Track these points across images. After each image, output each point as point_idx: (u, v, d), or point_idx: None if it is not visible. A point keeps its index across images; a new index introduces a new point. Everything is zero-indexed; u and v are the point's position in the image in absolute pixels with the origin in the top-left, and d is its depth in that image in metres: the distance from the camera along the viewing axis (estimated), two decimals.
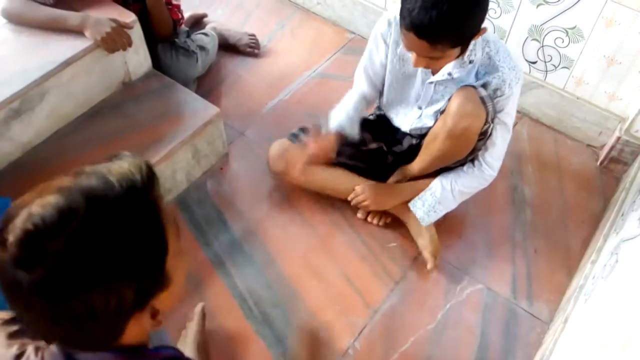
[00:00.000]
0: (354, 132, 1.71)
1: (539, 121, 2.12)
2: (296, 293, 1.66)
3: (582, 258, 1.74)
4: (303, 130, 1.82)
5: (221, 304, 1.63)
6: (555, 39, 1.88)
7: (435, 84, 1.58)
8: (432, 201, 1.68)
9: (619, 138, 1.89)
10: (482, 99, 1.47)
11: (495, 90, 1.49)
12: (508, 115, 1.56)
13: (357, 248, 1.77)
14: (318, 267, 1.72)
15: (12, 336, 0.83)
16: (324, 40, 2.42)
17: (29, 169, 1.64)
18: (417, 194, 1.72)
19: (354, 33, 2.44)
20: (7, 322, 0.86)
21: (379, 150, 1.81)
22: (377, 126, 1.79)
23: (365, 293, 1.67)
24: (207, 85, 2.22)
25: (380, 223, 1.82)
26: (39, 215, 0.63)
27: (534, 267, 1.74)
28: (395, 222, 1.81)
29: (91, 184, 0.66)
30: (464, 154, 1.60)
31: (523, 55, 1.99)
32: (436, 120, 1.62)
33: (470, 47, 1.44)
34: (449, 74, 1.51)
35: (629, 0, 1.66)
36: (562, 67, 1.94)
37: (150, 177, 0.69)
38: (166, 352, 0.80)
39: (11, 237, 0.63)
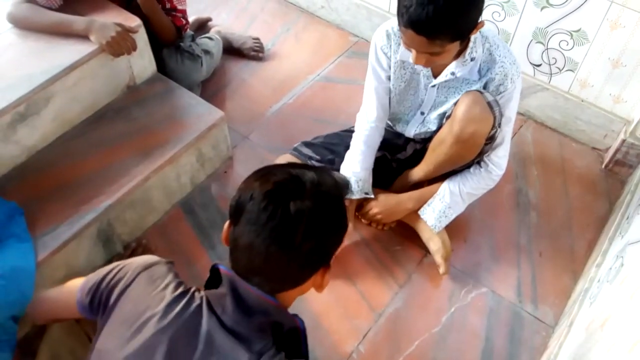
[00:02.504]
0: (370, 195, 1.72)
1: (544, 124, 2.11)
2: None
3: (587, 261, 1.74)
4: (306, 144, 1.81)
5: None
6: (560, 41, 1.88)
7: (438, 87, 1.58)
8: (442, 207, 1.68)
9: (624, 141, 1.88)
10: (488, 103, 1.47)
11: (499, 85, 1.50)
12: (513, 110, 1.56)
13: (362, 251, 1.77)
14: None
15: (177, 276, 1.02)
16: (328, 44, 2.43)
17: (34, 172, 1.65)
18: (427, 200, 1.71)
19: (357, 36, 2.45)
20: (169, 263, 1.04)
21: (382, 158, 1.81)
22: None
23: (369, 296, 1.67)
24: (211, 89, 2.23)
25: (385, 228, 1.81)
26: (304, 173, 0.92)
27: (539, 270, 1.74)
28: (399, 225, 1.81)
29: (331, 174, 0.96)
30: (470, 158, 1.60)
31: (527, 58, 1.99)
32: (440, 125, 1.62)
33: (471, 44, 1.45)
34: (452, 73, 1.51)
35: (633, 2, 1.66)
36: (567, 70, 1.94)
37: (349, 185, 1.01)
38: (299, 321, 1.00)
39: (287, 176, 0.90)
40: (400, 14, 1.32)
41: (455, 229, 1.75)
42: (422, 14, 1.26)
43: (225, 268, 0.94)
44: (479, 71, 1.52)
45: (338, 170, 1.74)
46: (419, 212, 1.72)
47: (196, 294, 0.97)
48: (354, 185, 1.68)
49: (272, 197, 0.87)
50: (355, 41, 2.43)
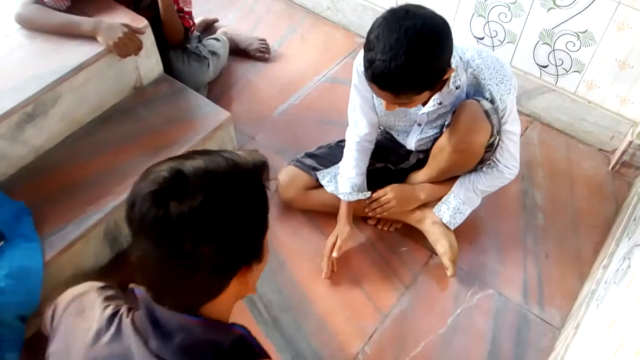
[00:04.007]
0: (365, 194, 1.71)
1: (550, 125, 2.11)
2: (306, 297, 1.66)
3: (593, 263, 1.73)
4: (309, 155, 1.81)
5: None
6: (567, 42, 1.87)
7: (428, 113, 1.58)
8: (457, 203, 1.68)
9: (631, 142, 1.88)
10: (486, 112, 1.46)
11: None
12: (508, 123, 1.54)
13: (367, 252, 1.77)
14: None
15: (107, 299, 0.93)
16: (334, 45, 2.43)
17: (42, 172, 1.66)
18: (439, 195, 1.71)
19: (363, 37, 2.43)
20: (102, 288, 0.97)
21: (385, 169, 1.81)
22: (381, 146, 1.78)
23: (375, 297, 1.67)
24: (217, 90, 2.23)
25: (391, 229, 1.81)
26: (190, 164, 0.77)
27: (545, 272, 1.73)
28: (405, 227, 1.80)
29: (230, 155, 0.80)
30: (471, 165, 1.61)
31: (534, 59, 1.98)
32: (440, 130, 1.62)
33: (453, 74, 1.42)
34: (439, 102, 1.51)
35: None
36: (574, 71, 1.93)
37: (266, 164, 0.84)
38: (238, 329, 0.87)
39: (165, 173, 0.75)
40: (364, 67, 1.30)
41: (461, 231, 1.75)
42: (384, 71, 1.24)
43: (140, 291, 0.84)
44: (467, 95, 1.50)
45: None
46: (434, 210, 1.71)
47: (124, 319, 0.87)
48: (349, 190, 1.69)
49: (152, 200, 0.74)
50: (362, 42, 2.42)
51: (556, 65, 1.96)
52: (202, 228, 0.74)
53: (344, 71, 2.32)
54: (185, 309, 0.81)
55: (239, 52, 2.37)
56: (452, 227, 1.70)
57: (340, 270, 1.72)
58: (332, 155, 1.81)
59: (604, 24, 1.76)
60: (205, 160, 0.78)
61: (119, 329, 0.86)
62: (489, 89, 1.46)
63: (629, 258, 1.39)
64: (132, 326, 0.85)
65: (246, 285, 0.84)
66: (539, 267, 1.74)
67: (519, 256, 1.77)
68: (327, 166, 1.79)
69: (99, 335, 0.86)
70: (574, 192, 1.93)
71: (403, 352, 1.56)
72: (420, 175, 1.73)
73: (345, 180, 1.70)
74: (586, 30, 1.81)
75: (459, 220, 1.70)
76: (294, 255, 1.76)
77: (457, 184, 1.68)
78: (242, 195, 0.78)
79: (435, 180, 1.70)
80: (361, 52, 1.53)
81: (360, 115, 1.67)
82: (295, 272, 1.72)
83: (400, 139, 1.75)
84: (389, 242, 1.80)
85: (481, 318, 1.63)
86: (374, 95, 1.58)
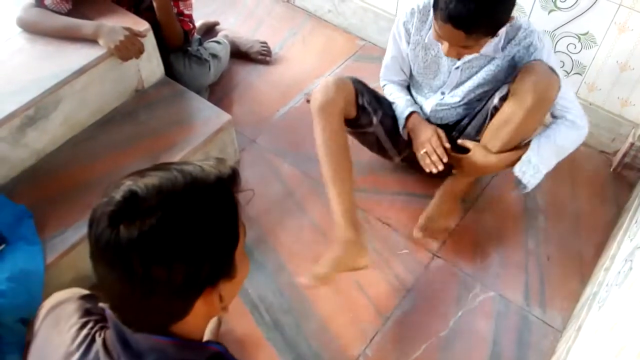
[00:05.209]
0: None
1: None
2: (307, 300, 1.66)
3: (595, 265, 1.73)
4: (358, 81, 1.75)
5: (232, 310, 1.60)
6: (568, 45, 1.87)
7: (462, 68, 1.60)
8: (536, 161, 1.58)
9: (632, 144, 1.87)
10: (550, 68, 1.47)
11: (528, 47, 1.51)
12: (557, 67, 1.53)
13: (369, 254, 1.76)
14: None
15: (85, 314, 0.89)
16: (335, 48, 2.43)
17: (43, 175, 1.66)
18: (511, 162, 1.61)
19: (365, 40, 2.45)
20: (84, 297, 0.93)
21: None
22: None
23: (376, 300, 1.67)
24: (219, 92, 2.23)
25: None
26: (144, 183, 0.73)
27: (546, 274, 1.73)
28: (406, 229, 1.80)
29: (190, 169, 0.76)
30: (537, 127, 1.58)
31: None
32: (464, 100, 1.65)
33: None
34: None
35: None
36: (575, 73, 1.93)
37: (235, 174, 0.79)
38: (214, 347, 0.85)
39: (119, 194, 0.72)
40: (438, 8, 1.35)
41: (463, 233, 1.75)
42: (462, 10, 1.30)
43: (110, 311, 0.81)
44: (502, 47, 1.54)
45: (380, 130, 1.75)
46: (514, 170, 1.60)
47: (97, 339, 0.84)
48: (408, 104, 1.73)
49: (108, 221, 0.72)
50: (362, 45, 2.44)
51: None
52: (153, 251, 0.70)
53: (345, 73, 2.30)
54: (153, 329, 0.78)
55: (240, 55, 2.37)
56: (530, 187, 1.61)
57: (342, 273, 1.72)
58: (380, 97, 1.78)
59: (605, 26, 1.76)
60: (160, 177, 0.74)
61: (88, 350, 0.83)
62: (526, 28, 1.51)
63: (631, 260, 1.39)
64: (103, 347, 0.82)
65: (213, 306, 0.79)
66: (540, 269, 1.74)
67: (520, 258, 1.76)
68: (370, 99, 1.71)
69: (68, 356, 0.84)
70: (576, 194, 1.92)
71: (404, 355, 1.56)
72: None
73: (403, 100, 1.74)
74: (587, 33, 1.81)
75: (537, 180, 1.61)
76: (295, 257, 1.76)
77: (535, 142, 1.59)
78: (199, 213, 0.73)
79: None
80: (406, 12, 1.62)
81: (397, 65, 1.77)
82: (296, 275, 1.71)
83: (419, 100, 1.78)
84: (390, 244, 1.79)
85: (483, 320, 1.63)
86: (412, 47, 1.66)
